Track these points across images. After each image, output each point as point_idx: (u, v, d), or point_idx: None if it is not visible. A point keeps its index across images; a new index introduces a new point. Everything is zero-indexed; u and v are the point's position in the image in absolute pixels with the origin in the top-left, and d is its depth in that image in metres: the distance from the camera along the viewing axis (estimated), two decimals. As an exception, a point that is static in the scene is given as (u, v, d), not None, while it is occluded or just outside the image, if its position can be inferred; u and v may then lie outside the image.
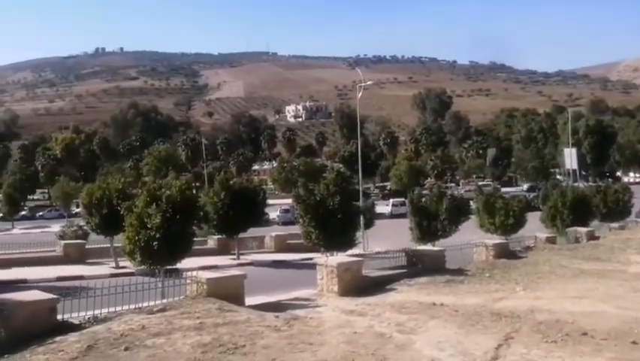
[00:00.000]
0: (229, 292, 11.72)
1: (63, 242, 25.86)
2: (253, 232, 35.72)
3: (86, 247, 26.08)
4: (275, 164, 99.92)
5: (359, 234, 26.56)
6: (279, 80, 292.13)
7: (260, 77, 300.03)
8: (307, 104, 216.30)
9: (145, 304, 11.09)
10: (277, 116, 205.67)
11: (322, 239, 20.74)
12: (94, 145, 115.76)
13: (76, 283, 19.39)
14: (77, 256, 24.79)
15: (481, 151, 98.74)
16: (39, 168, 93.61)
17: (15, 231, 60.87)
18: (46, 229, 54.82)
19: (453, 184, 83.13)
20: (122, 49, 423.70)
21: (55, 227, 45.58)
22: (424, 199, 25.81)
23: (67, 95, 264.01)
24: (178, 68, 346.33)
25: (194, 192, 31.37)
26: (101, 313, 10.30)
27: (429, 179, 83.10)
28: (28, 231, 57.98)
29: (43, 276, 20.65)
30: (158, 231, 13.17)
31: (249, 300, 15.42)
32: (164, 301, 11.27)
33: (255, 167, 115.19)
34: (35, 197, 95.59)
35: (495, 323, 10.04)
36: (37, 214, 75.04)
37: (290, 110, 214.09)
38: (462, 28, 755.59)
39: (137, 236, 13.40)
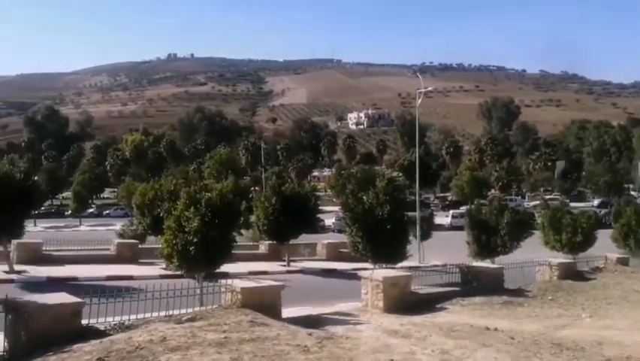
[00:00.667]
0: (265, 303, 11.08)
1: (117, 241, 26.12)
2: (307, 238, 35.18)
3: (139, 246, 26.22)
4: (334, 170, 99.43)
5: (412, 246, 25.51)
6: (342, 88, 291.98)
7: (323, 84, 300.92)
8: (369, 111, 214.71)
9: (179, 311, 10.64)
10: (339, 123, 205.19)
11: (370, 250, 19.73)
12: (161, 147, 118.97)
13: (125, 283, 19.49)
14: (130, 255, 24.94)
15: (549, 163, 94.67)
16: (108, 167, 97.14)
17: (82, 228, 63.12)
18: (111, 227, 56.30)
19: (519, 197, 79.79)
20: (192, 55, 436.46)
21: (120, 226, 46.62)
22: (483, 212, 24.38)
23: (140, 99, 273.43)
24: (245, 74, 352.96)
25: (250, 196, 31.14)
26: (129, 320, 9.89)
27: (492, 191, 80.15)
28: (94, 228, 59.94)
29: (93, 275, 20.74)
30: (196, 235, 12.67)
31: (289, 311, 14.75)
32: (197, 309, 10.74)
33: (315, 173, 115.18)
34: (105, 195, 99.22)
35: (555, 356, 8.91)
36: (104, 212, 77.63)
37: (352, 117, 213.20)
38: (533, 36, 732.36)
39: (175, 240, 13.01)
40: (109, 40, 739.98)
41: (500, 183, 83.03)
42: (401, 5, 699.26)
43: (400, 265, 21.26)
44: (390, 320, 12.31)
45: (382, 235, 18.97)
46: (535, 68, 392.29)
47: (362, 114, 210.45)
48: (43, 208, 77.92)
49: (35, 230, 58.34)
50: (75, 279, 20.16)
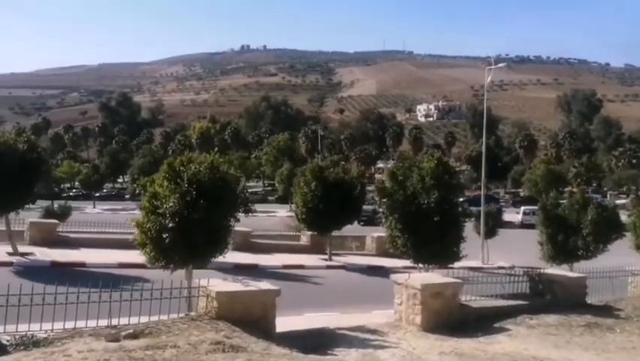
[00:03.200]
0: (251, 314, 8.15)
1: (141, 225, 24.02)
2: (360, 230, 32.07)
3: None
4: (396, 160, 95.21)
5: (473, 243, 21.90)
6: (412, 79, 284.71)
7: (393, 76, 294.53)
8: (440, 103, 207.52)
9: (158, 316, 7.94)
10: (407, 115, 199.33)
11: (411, 247, 16.14)
12: (226, 135, 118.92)
13: (136, 272, 17.14)
14: (155, 241, 22.74)
15: (634, 161, 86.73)
16: (170, 153, 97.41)
17: (137, 211, 62.69)
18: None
19: (599, 195, 73.07)
20: (265, 46, 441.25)
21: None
22: (561, 207, 20.27)
23: (212, 89, 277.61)
24: (315, 65, 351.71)
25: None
26: (52, 331, 7.22)
27: (570, 188, 73.76)
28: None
29: (104, 261, 18.60)
30: (173, 218, 9.97)
31: (304, 318, 11.92)
32: (156, 318, 7.94)
33: (380, 165, 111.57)
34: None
35: None
36: (162, 197, 77.32)
37: (421, 109, 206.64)
38: (618, 28, 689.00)
39: (148, 223, 10.31)
40: (186, 31, 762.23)
41: (579, 180, 76.44)
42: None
43: (458, 264, 17.79)
44: (428, 344, 9.08)
45: (428, 228, 15.34)
46: (620, 62, 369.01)
47: (432, 106, 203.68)
48: (104, 190, 79.40)
49: (93, 212, 58.70)
50: (83, 265, 18.08)
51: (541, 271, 13.30)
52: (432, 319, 9.92)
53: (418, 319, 9.95)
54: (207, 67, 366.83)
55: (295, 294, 14.84)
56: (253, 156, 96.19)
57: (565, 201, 21.64)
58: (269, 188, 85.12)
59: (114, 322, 7.56)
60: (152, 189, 10.45)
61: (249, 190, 73.90)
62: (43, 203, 43.71)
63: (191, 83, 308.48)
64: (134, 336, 6.94)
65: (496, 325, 10.50)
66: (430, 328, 9.85)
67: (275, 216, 49.28)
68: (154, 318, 7.88)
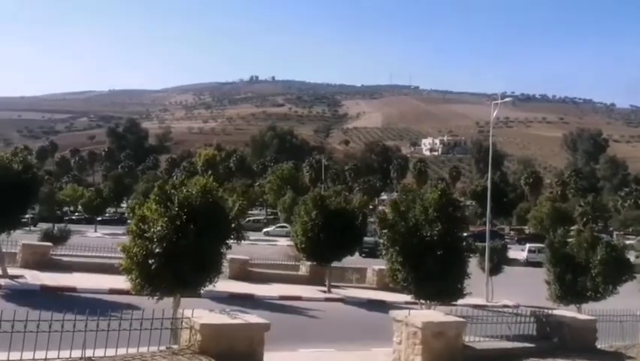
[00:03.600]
0: (237, 349, 7.60)
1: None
2: (362, 262, 31.41)
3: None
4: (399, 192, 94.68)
5: (478, 279, 21.17)
6: (418, 113, 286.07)
7: (399, 109, 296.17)
8: (445, 138, 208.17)
9: (137, 348, 7.38)
10: (412, 149, 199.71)
11: (413, 282, 15.33)
12: (231, 162, 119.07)
13: (126, 298, 16.55)
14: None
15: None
16: (174, 178, 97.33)
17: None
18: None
19: (604, 235, 72.12)
20: (273, 78, 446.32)
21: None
22: (569, 245, 19.62)
23: (220, 117, 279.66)
24: (321, 97, 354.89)
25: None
26: None
27: (576, 226, 72.93)
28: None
29: (95, 286, 18.02)
30: (160, 243, 9.48)
31: (298, 354, 11.29)
32: (136, 350, 7.38)
33: (384, 197, 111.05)
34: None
35: None
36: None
37: (426, 143, 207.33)
38: (624, 69, 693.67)
39: (135, 248, 9.77)
40: (196, 61, 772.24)
41: (585, 219, 75.59)
42: (482, 34, 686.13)
43: (461, 302, 17.12)
44: (427, 388, 8.46)
45: (430, 262, 14.69)
46: (626, 103, 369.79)
47: (437, 140, 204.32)
48: (107, 215, 78.80)
49: (94, 236, 58.10)
50: (73, 290, 17.50)
51: (549, 311, 12.67)
52: (433, 360, 9.30)
53: (418, 359, 9.34)
54: (216, 96, 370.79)
55: (290, 327, 14.24)
56: (257, 184, 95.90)
57: (572, 239, 21.00)
58: (271, 216, 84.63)
59: (89, 353, 7.00)
60: (141, 212, 9.96)
61: (252, 218, 73.59)
62: (45, 225, 43.42)
63: (200, 111, 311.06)
64: (108, 370, 6.39)
65: (501, 369, 9.89)
66: (431, 370, 9.24)
67: (275, 245, 48.59)
68: (132, 350, 7.32)
